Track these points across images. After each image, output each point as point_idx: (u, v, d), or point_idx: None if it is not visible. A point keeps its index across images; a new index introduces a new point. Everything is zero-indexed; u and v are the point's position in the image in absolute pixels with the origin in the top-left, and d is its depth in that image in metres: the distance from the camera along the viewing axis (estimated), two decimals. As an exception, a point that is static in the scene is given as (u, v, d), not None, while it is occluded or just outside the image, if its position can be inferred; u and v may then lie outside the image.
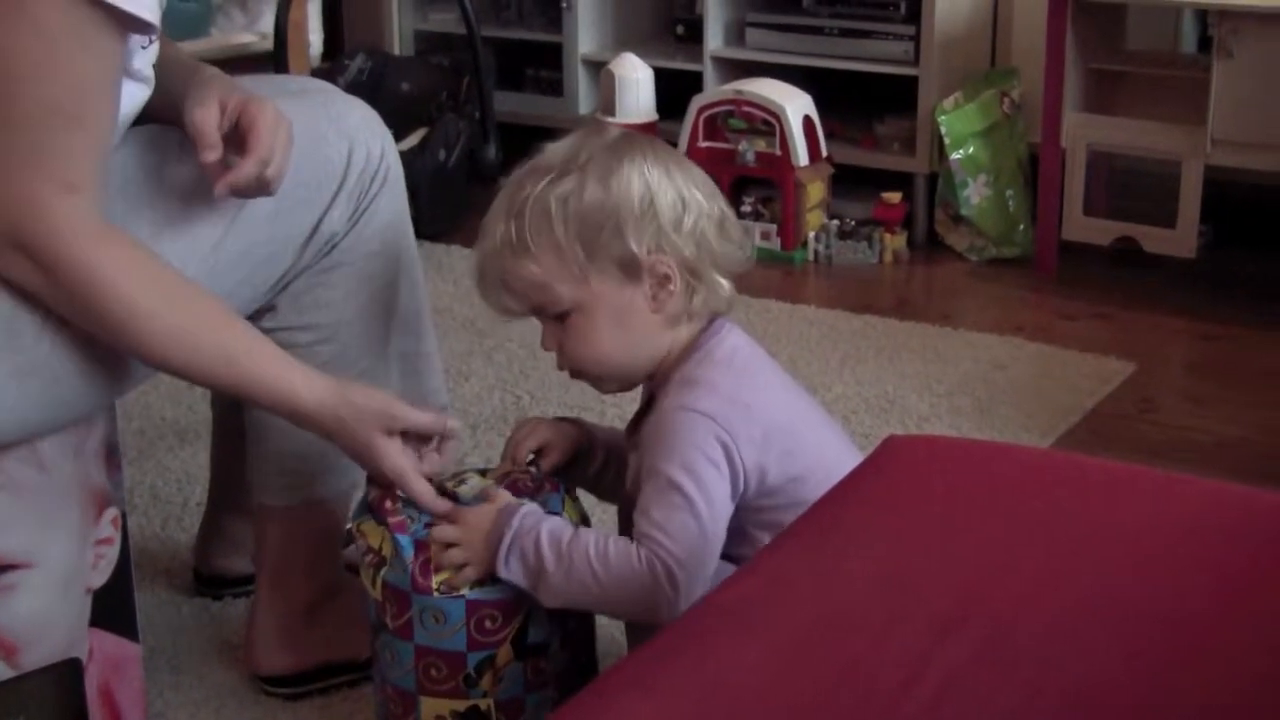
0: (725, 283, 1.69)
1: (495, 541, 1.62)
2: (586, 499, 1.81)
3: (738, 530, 1.64)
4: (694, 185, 1.67)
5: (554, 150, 1.68)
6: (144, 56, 1.63)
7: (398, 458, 1.68)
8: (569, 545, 1.60)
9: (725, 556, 1.63)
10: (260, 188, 1.66)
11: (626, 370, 1.71)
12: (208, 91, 1.68)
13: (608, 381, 1.73)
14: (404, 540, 1.64)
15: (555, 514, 1.67)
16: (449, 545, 1.64)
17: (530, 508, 1.64)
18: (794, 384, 1.76)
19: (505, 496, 1.67)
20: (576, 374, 1.72)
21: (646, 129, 3.74)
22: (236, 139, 1.66)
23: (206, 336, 1.62)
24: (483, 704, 1.66)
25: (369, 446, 1.67)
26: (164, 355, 1.61)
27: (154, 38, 1.61)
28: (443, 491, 1.69)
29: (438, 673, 1.65)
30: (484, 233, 1.68)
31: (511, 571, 1.61)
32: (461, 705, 1.66)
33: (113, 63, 1.56)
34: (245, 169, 1.64)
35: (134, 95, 1.63)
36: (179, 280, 1.62)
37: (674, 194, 1.65)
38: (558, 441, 1.78)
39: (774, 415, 1.65)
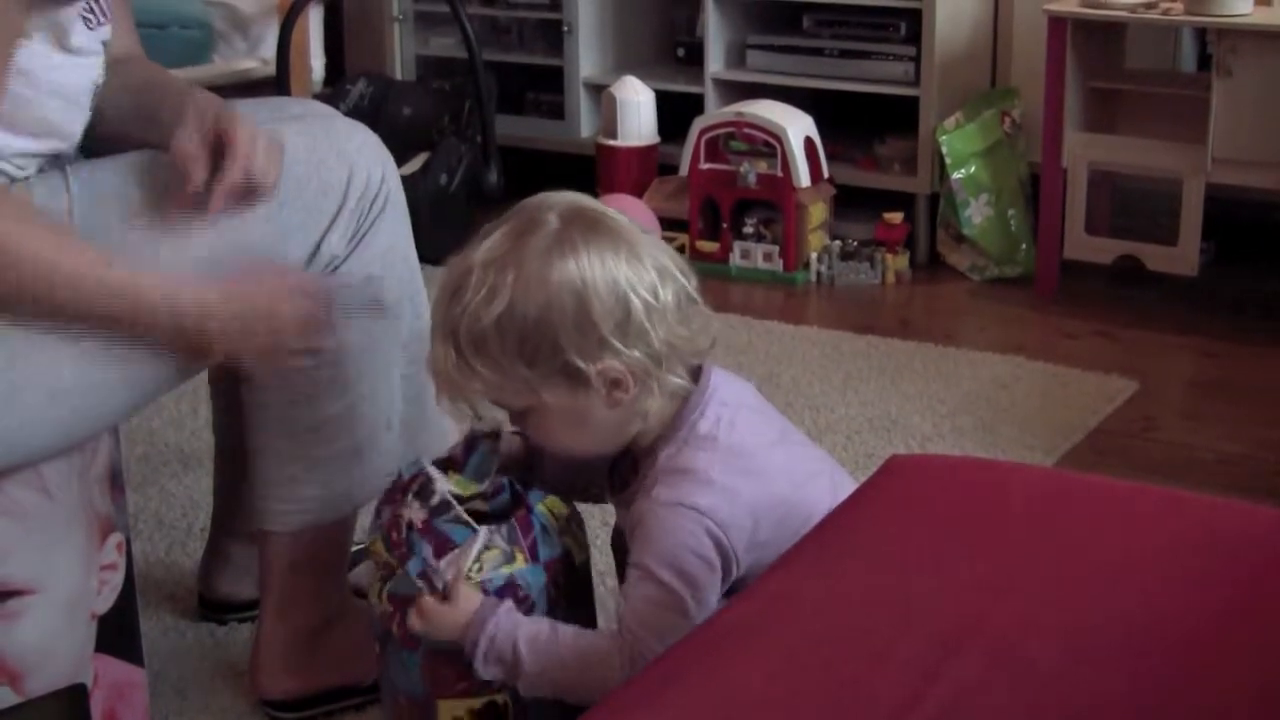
0: (680, 380, 1.60)
1: (470, 646, 1.60)
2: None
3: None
4: (640, 275, 1.55)
5: (485, 254, 1.56)
6: (89, 35, 1.63)
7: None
8: (546, 645, 1.58)
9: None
10: (254, 193, 1.67)
11: (595, 454, 1.68)
12: (186, 119, 1.70)
13: (578, 461, 1.72)
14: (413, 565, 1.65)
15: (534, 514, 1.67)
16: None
17: (504, 609, 1.60)
18: (781, 430, 1.70)
19: (474, 599, 1.61)
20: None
21: (648, 152, 3.76)
22: (219, 156, 1.68)
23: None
24: (499, 699, 1.65)
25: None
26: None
27: (100, 17, 1.61)
28: (435, 510, 1.67)
29: (447, 671, 1.65)
30: (433, 336, 1.61)
31: (489, 672, 1.60)
32: (478, 703, 1.65)
33: (8, 34, 1.57)
34: (231, 174, 1.66)
35: (82, 70, 1.63)
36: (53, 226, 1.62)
37: (612, 297, 1.54)
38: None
39: (765, 492, 1.60)
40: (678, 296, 1.59)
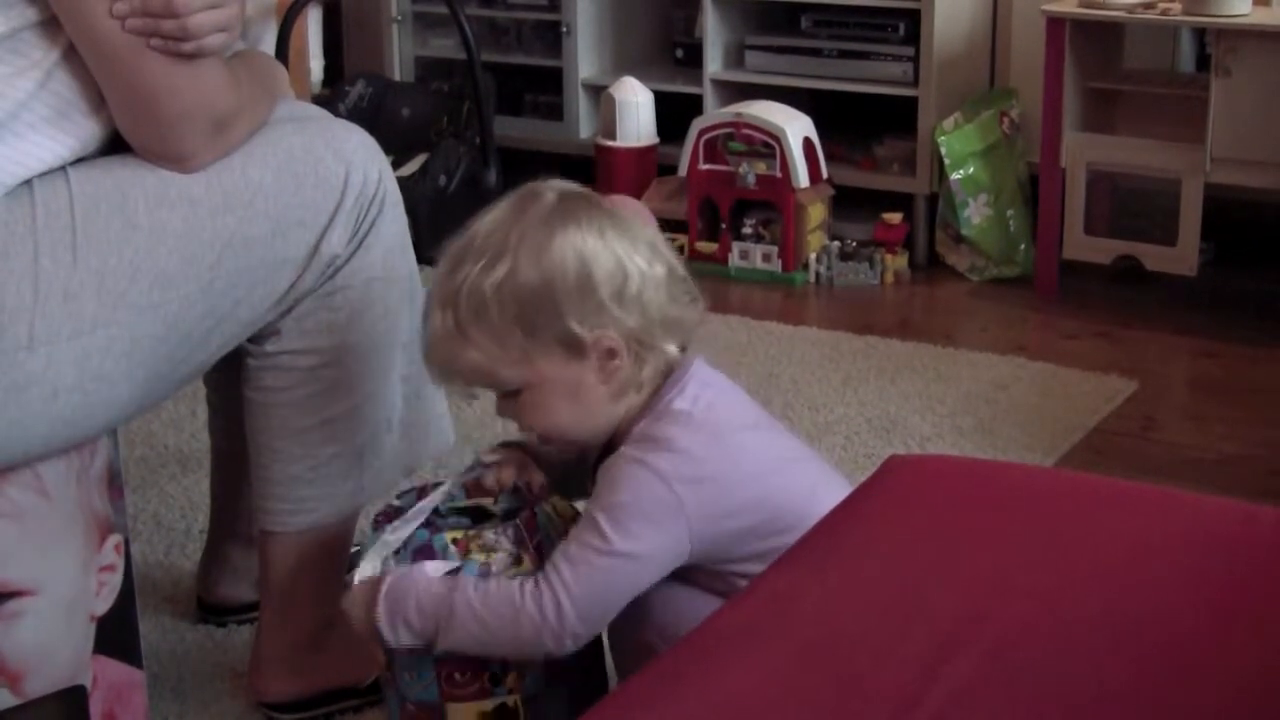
0: (673, 349, 1.65)
1: (376, 621, 1.62)
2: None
3: (714, 571, 1.63)
4: (634, 248, 1.62)
5: (487, 226, 1.63)
6: None
7: None
8: (449, 596, 1.59)
9: (710, 591, 1.63)
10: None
11: (585, 437, 1.69)
12: None
13: (569, 447, 1.73)
14: None
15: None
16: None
17: (397, 575, 1.63)
18: (764, 419, 1.72)
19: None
20: (541, 439, 1.72)
21: (646, 152, 3.76)
22: None
23: None
24: (510, 701, 1.66)
25: None
26: None
27: None
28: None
29: (461, 677, 1.65)
30: (428, 314, 1.65)
31: (403, 640, 1.62)
32: (490, 705, 1.66)
33: None
34: None
35: None
36: None
37: (612, 263, 1.60)
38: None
39: (736, 467, 1.62)
40: (668, 273, 1.65)
